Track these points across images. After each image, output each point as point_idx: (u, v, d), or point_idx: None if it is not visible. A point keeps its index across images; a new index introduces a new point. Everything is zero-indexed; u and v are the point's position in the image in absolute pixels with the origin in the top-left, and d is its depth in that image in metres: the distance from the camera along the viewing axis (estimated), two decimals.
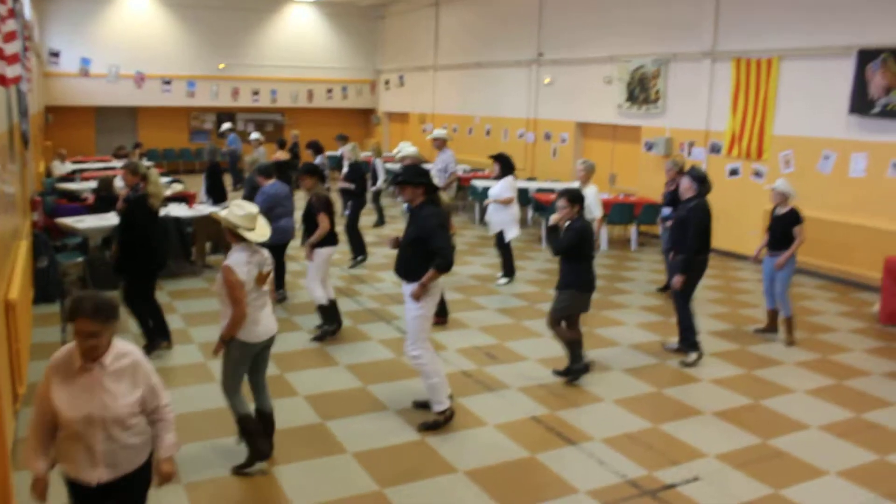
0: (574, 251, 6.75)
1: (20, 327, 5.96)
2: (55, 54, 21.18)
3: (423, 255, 5.74)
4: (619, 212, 13.22)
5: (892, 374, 7.42)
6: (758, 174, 12.45)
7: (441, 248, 5.70)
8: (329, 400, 6.44)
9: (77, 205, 11.52)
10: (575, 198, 6.73)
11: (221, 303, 4.98)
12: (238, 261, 4.94)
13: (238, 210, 5.02)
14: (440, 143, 12.12)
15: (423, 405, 6.23)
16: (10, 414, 5.27)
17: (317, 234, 7.84)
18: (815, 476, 5.34)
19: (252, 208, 5.07)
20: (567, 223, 6.80)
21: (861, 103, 10.74)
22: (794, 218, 8.10)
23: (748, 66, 12.48)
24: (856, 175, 10.99)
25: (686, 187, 7.59)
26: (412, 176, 5.92)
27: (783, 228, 8.14)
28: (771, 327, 8.54)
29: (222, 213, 5.08)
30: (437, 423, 5.90)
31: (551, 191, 14.74)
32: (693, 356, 7.56)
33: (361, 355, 7.54)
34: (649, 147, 14.66)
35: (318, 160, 13.28)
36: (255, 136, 16.24)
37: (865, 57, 10.65)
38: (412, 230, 5.88)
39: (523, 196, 14.22)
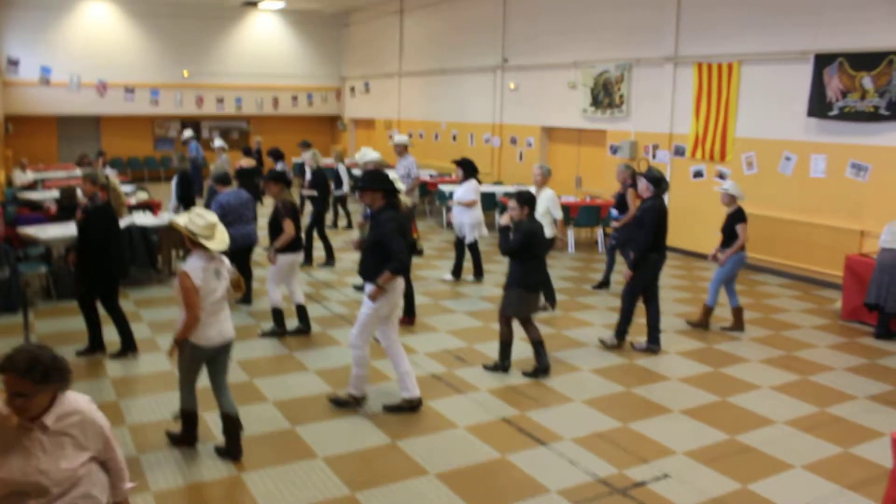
0: (523, 252, 6.92)
1: None
2: (14, 62, 20.84)
3: (382, 257, 5.97)
4: (585, 214, 13.34)
5: (854, 369, 7.56)
6: (721, 176, 12.62)
7: (396, 251, 5.92)
8: (299, 405, 6.41)
9: (39, 214, 11.33)
10: (526, 200, 6.99)
11: (178, 305, 5.18)
12: (195, 266, 5.12)
13: (198, 219, 5.17)
14: (401, 150, 12.27)
15: (394, 408, 6.27)
16: None
17: (281, 238, 7.93)
18: (781, 470, 5.42)
19: (212, 217, 5.21)
20: (515, 224, 7.03)
21: (819, 106, 10.96)
22: (738, 216, 8.47)
23: (710, 70, 12.66)
24: (816, 175, 11.21)
25: (643, 188, 7.85)
26: (372, 181, 6.16)
27: (731, 227, 8.52)
28: (737, 325, 8.68)
29: (181, 221, 5.19)
30: (348, 402, 6.34)
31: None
32: (615, 341, 7.99)
33: (330, 360, 7.51)
34: (614, 150, 14.80)
35: (279, 166, 13.33)
36: (218, 143, 16.12)
37: (822, 61, 10.87)
38: (371, 234, 6.10)
39: (490, 200, 14.28)
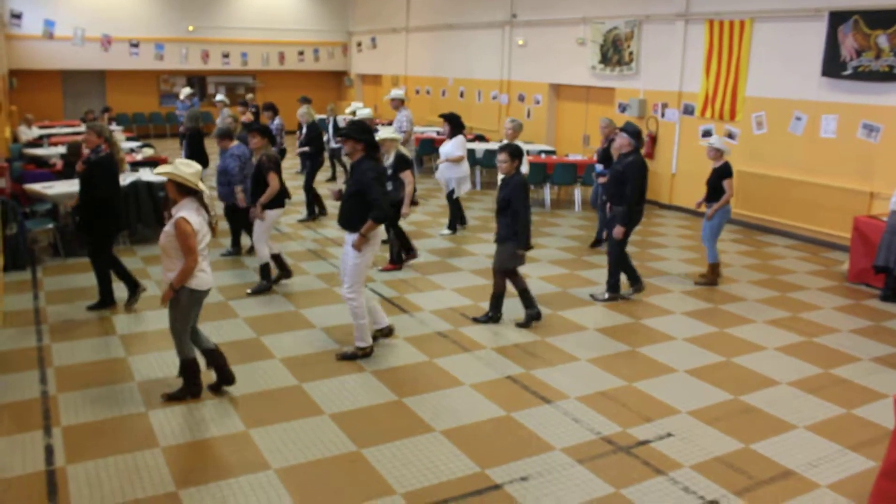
0: (514, 204, 6.95)
1: None
2: (17, 16, 20.59)
3: (363, 207, 6.12)
4: (591, 173, 13.24)
5: (860, 331, 7.57)
6: (731, 135, 12.51)
7: (376, 199, 6.08)
8: (305, 362, 6.46)
9: (45, 171, 11.32)
10: (515, 152, 7.05)
11: (167, 254, 5.31)
12: (190, 212, 5.28)
13: (186, 168, 5.31)
14: (397, 104, 12.51)
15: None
16: None
17: (267, 192, 7.95)
18: (784, 430, 5.46)
19: (197, 166, 5.37)
20: (503, 178, 7.13)
21: (833, 65, 10.80)
22: (724, 171, 8.58)
23: (721, 27, 12.46)
24: (827, 136, 11.09)
25: (623, 143, 7.95)
26: (354, 131, 6.24)
27: (716, 182, 8.61)
28: (712, 279, 8.96)
29: (168, 168, 5.32)
30: (356, 354, 6.46)
31: (526, 152, 14.72)
32: (606, 295, 8.17)
33: (336, 316, 7.53)
34: (623, 108, 14.67)
35: (276, 122, 13.32)
36: (219, 97, 15.93)
37: (837, 19, 10.68)
38: (351, 184, 6.22)
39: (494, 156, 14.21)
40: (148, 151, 13.72)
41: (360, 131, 6.26)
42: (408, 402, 5.76)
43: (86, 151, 7.60)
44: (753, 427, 5.49)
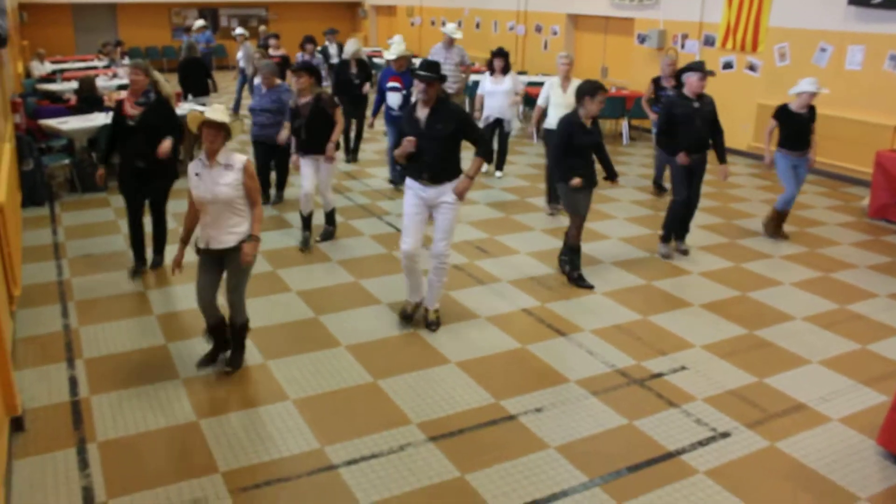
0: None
1: (10, 231, 5.94)
2: None
3: (458, 150, 5.66)
4: (610, 106, 13.03)
5: (877, 267, 7.52)
6: (752, 67, 12.25)
7: (482, 135, 5.70)
8: (322, 295, 6.51)
9: (59, 106, 11.29)
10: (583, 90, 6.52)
11: (230, 208, 4.80)
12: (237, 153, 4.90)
13: (224, 114, 4.79)
14: (449, 42, 11.68)
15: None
16: (7, 315, 5.32)
17: (336, 131, 7.43)
18: (798, 364, 5.48)
19: (223, 106, 4.96)
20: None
21: None
22: (814, 115, 8.03)
23: None
24: (852, 68, 10.83)
25: (698, 84, 7.24)
26: (434, 70, 5.51)
27: (807, 128, 8.01)
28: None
29: (224, 118, 4.76)
30: (439, 322, 5.97)
31: (542, 84, 14.49)
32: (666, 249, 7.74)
33: (353, 251, 7.57)
34: (642, 40, 14.35)
35: (316, 59, 12.80)
36: (239, 31, 15.70)
37: None
38: (442, 126, 5.49)
39: None
40: None
41: (435, 68, 5.56)
42: (423, 334, 5.81)
43: (109, 94, 7.10)
44: (767, 361, 5.51)
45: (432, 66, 5.54)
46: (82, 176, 9.54)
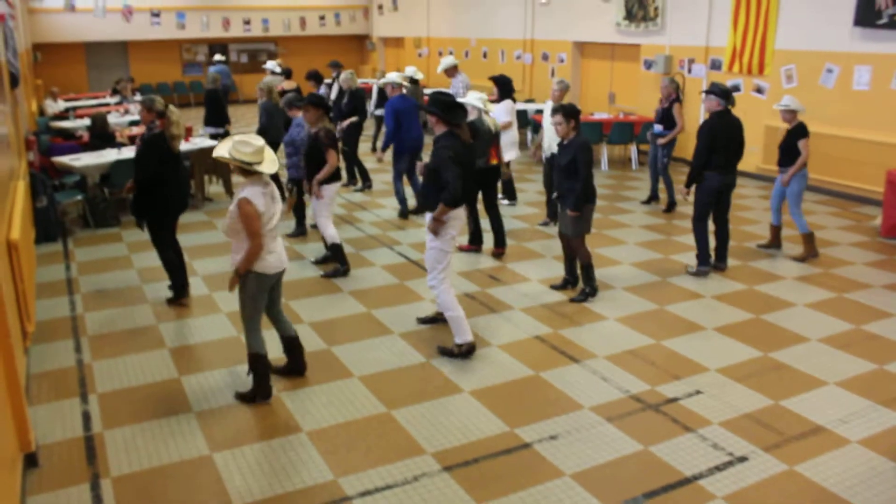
0: (579, 166, 6.66)
1: (24, 267, 5.98)
2: None
3: (438, 186, 5.63)
4: (618, 131, 13.10)
5: (892, 286, 7.46)
6: (759, 90, 12.28)
7: (448, 182, 5.55)
8: (334, 326, 6.51)
9: (72, 143, 11.43)
10: (570, 112, 6.69)
11: (232, 236, 4.98)
12: (254, 192, 4.88)
13: (244, 147, 4.86)
14: (452, 71, 12.11)
15: (428, 321, 6.38)
16: (21, 351, 5.34)
17: (325, 170, 7.47)
18: (814, 386, 5.42)
19: (257, 141, 4.92)
20: (561, 141, 6.83)
21: (867, 13, 10.49)
22: (800, 131, 8.02)
23: None
24: (859, 88, 10.83)
25: (712, 104, 7.43)
26: (432, 105, 5.69)
27: (790, 143, 8.08)
28: (774, 243, 8.56)
29: (224, 152, 4.89)
30: (451, 352, 5.90)
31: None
32: (702, 268, 7.73)
33: (364, 282, 7.58)
34: (648, 65, 14.43)
35: (321, 90, 12.89)
36: (271, 64, 15.77)
37: None
38: (431, 161, 5.70)
39: (522, 117, 14.10)
40: None
41: (439, 104, 5.67)
42: (436, 363, 5.80)
43: (117, 129, 7.20)
44: (783, 383, 5.46)
45: (433, 101, 5.73)
46: (95, 212, 9.63)
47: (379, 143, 10.77)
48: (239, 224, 4.89)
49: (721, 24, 12.84)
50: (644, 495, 4.16)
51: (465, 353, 5.87)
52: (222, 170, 11.05)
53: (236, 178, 11.36)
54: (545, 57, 17.50)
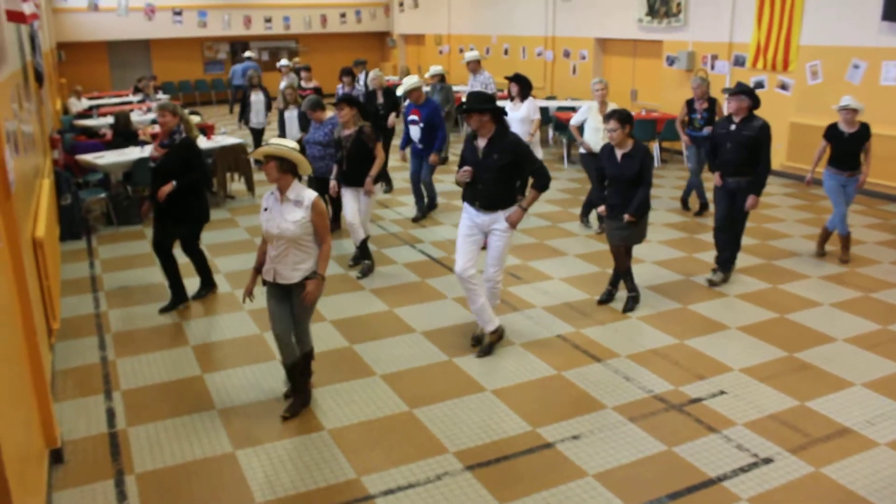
0: (645, 176, 6.46)
1: (49, 264, 6.04)
2: None
3: (514, 181, 5.71)
4: (641, 128, 12.99)
5: None
6: (783, 87, 12.14)
7: (540, 167, 5.69)
8: (356, 324, 6.52)
9: (96, 141, 11.53)
10: (626, 118, 6.41)
11: (297, 245, 4.75)
12: (307, 189, 4.82)
13: (290, 144, 4.79)
14: (475, 66, 11.82)
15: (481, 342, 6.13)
16: (47, 348, 5.39)
17: (376, 165, 7.39)
18: (840, 387, 5.35)
19: (293, 143, 4.87)
20: (624, 151, 6.50)
21: (894, 8, 10.33)
22: (867, 134, 7.83)
23: None
24: (887, 84, 10.68)
25: (742, 105, 7.02)
26: (478, 102, 5.58)
27: (856, 147, 7.84)
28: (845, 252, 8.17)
29: (279, 149, 4.69)
30: (493, 343, 6.00)
31: (572, 109, 14.52)
32: (720, 276, 7.47)
33: (387, 280, 7.58)
34: (671, 62, 14.32)
35: (357, 90, 12.71)
36: (283, 62, 15.68)
37: None
38: (497, 157, 5.55)
39: (544, 115, 14.03)
40: (195, 119, 13.85)
41: (482, 101, 5.60)
42: (458, 361, 5.79)
43: (160, 133, 6.95)
44: (808, 384, 5.40)
45: (472, 98, 5.63)
46: (118, 209, 9.71)
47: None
48: (309, 228, 4.74)
49: (745, 19, 12.71)
50: (668, 496, 4.13)
51: (500, 337, 6.05)
52: (244, 167, 11.10)
53: (258, 177, 11.46)
54: (566, 54, 17.42)
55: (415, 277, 7.67)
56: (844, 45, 11.17)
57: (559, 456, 4.52)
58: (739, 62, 12.92)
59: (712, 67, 13.40)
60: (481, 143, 5.67)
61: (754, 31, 12.53)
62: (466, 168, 5.67)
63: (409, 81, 9.43)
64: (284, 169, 4.71)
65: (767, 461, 4.45)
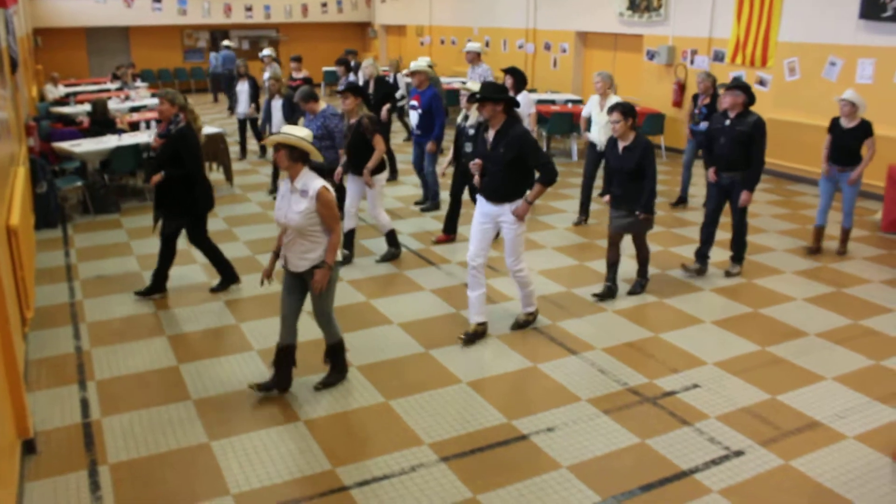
0: (647, 170, 6.50)
1: (24, 253, 5.98)
2: None
3: (522, 173, 5.73)
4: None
5: (891, 282, 7.46)
6: (762, 82, 12.24)
7: (547, 162, 5.67)
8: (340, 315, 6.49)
9: (73, 129, 11.41)
10: (629, 111, 6.46)
11: (303, 235, 4.77)
12: (318, 179, 4.79)
13: (302, 132, 4.77)
14: (473, 57, 11.62)
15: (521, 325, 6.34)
16: (20, 337, 5.35)
17: (375, 157, 7.34)
18: (812, 381, 5.43)
19: (307, 130, 4.85)
20: (626, 144, 6.56)
21: (872, 6, 10.44)
22: (867, 130, 7.89)
23: None
24: (863, 81, 10.80)
25: (738, 101, 7.05)
26: (492, 92, 5.61)
27: (853, 142, 7.91)
28: (817, 247, 8.32)
29: (290, 138, 4.70)
30: (529, 321, 6.29)
31: (552, 102, 14.57)
32: (738, 269, 7.59)
33: (365, 271, 7.58)
34: (651, 56, 14.39)
35: (351, 77, 12.53)
36: (267, 52, 15.48)
37: None
38: (505, 151, 5.61)
39: None
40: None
41: (496, 91, 5.65)
42: (434, 353, 5.80)
43: (161, 125, 6.76)
44: (780, 378, 5.47)
45: (485, 87, 5.70)
46: (94, 198, 9.62)
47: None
48: (316, 218, 4.73)
49: (725, 15, 12.79)
50: (640, 488, 4.17)
51: (535, 317, 6.33)
52: (223, 157, 11.03)
53: (236, 166, 11.38)
54: (547, 46, 17.44)
55: (393, 269, 7.67)
56: (822, 42, 11.27)
57: (534, 448, 4.56)
58: (719, 57, 13.00)
59: (692, 62, 13.47)
60: (489, 134, 5.74)
61: (734, 27, 12.62)
62: (477, 161, 5.82)
63: (416, 64, 9.43)
64: (295, 157, 4.73)
65: (739, 454, 4.51)
